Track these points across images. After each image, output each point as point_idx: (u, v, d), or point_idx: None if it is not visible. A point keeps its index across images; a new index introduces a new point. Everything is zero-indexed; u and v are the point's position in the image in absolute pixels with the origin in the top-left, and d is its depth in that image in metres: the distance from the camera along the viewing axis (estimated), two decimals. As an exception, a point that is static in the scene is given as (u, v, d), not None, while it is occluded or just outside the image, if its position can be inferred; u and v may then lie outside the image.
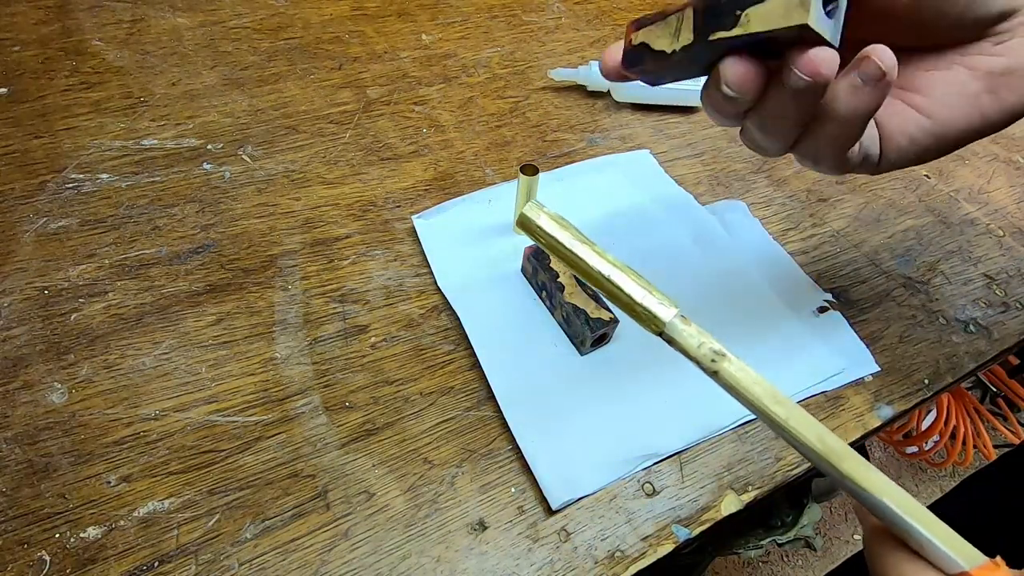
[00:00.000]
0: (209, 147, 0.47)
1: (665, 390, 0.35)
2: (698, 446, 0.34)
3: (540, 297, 0.39)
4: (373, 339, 0.37)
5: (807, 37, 0.22)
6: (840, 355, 0.38)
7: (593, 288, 0.26)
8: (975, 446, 0.98)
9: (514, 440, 0.33)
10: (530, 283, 0.40)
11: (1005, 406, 1.00)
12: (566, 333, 0.37)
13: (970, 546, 0.19)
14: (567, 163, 0.48)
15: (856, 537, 1.10)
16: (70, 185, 0.43)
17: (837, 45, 0.22)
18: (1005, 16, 0.25)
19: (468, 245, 0.42)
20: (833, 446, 0.20)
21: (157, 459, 0.31)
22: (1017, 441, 1.02)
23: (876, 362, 0.38)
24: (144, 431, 0.32)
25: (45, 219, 0.41)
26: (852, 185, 0.49)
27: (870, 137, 0.27)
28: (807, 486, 0.80)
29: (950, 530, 0.20)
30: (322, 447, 0.32)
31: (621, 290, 0.23)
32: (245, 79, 0.52)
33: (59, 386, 0.34)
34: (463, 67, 0.56)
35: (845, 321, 0.40)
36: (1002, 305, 0.42)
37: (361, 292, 0.39)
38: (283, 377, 0.35)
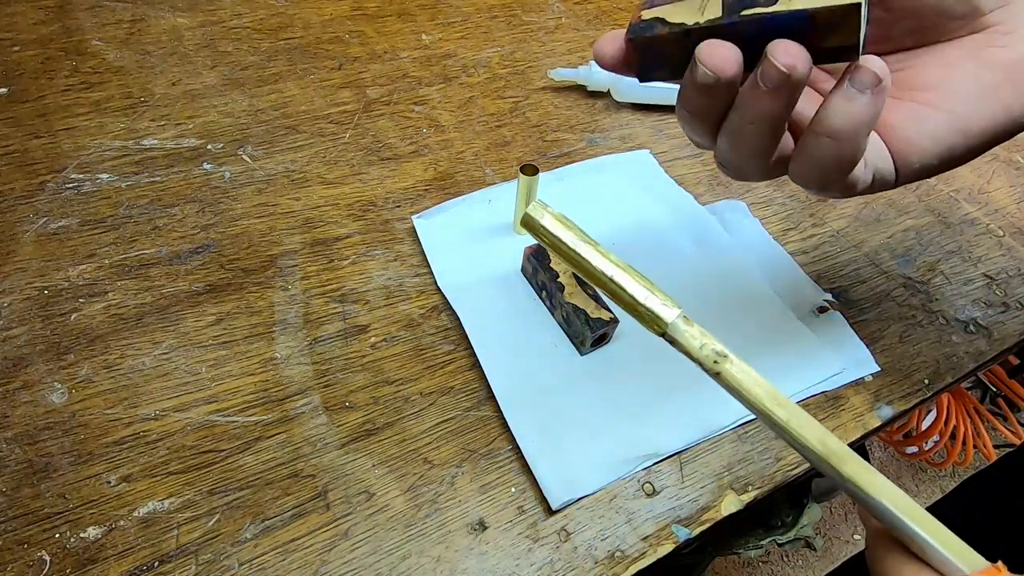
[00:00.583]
0: (209, 147, 0.47)
1: (665, 390, 0.35)
2: (698, 446, 0.34)
3: (540, 297, 0.39)
4: (373, 339, 0.37)
5: (847, 27, 0.21)
6: (840, 355, 0.38)
7: (595, 288, 0.26)
8: (975, 446, 0.98)
9: (514, 440, 0.33)
10: (530, 283, 0.40)
11: (1005, 406, 1.00)
12: (566, 333, 0.37)
13: (972, 551, 0.19)
14: (567, 163, 0.48)
15: (856, 537, 1.10)
16: (70, 185, 0.43)
17: (863, 51, 0.22)
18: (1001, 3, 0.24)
19: (468, 245, 0.42)
20: (835, 449, 0.20)
21: (157, 459, 0.31)
22: (1017, 441, 1.02)
23: (876, 362, 0.38)
24: (144, 431, 0.32)
25: (45, 219, 0.41)
26: (852, 185, 0.49)
27: (877, 153, 0.25)
28: (807, 486, 0.80)
29: (952, 534, 0.20)
30: (322, 447, 0.32)
31: (624, 290, 0.23)
32: (245, 79, 0.52)
33: (59, 386, 0.34)
34: (463, 67, 0.56)
35: (845, 321, 0.40)
36: (1002, 305, 0.42)
37: (361, 292, 0.39)
38: (283, 377, 0.35)
